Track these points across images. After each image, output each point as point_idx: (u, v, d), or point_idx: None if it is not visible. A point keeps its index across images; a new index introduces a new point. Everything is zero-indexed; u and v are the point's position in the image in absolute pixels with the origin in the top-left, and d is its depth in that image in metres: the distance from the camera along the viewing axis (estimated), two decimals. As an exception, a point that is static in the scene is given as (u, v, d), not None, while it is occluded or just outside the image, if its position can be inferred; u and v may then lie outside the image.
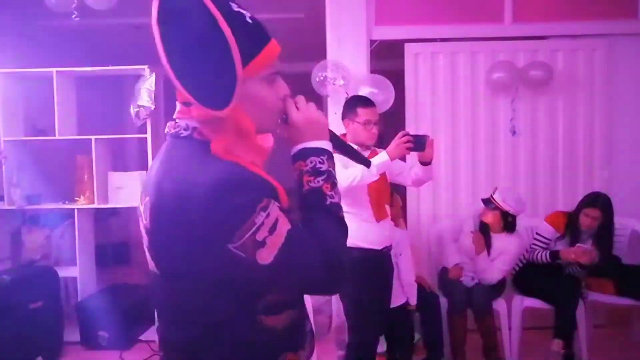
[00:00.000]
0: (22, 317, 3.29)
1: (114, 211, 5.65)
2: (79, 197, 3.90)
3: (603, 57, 3.86)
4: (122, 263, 6.20)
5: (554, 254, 3.22)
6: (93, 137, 3.81)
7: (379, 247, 2.61)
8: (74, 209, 3.87)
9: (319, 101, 4.04)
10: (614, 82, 3.90)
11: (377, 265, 2.62)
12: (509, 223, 3.28)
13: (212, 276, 0.98)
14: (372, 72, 3.89)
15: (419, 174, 2.66)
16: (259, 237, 0.93)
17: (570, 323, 3.12)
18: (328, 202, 1.05)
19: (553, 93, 3.88)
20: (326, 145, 1.09)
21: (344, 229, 1.08)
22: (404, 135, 2.49)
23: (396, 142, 2.48)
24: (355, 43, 3.86)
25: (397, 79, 3.87)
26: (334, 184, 1.07)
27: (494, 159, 3.90)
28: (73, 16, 3.36)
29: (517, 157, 3.91)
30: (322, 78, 3.71)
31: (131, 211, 6.99)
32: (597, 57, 3.87)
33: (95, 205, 3.89)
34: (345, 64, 3.76)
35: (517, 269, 3.48)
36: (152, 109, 3.72)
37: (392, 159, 2.47)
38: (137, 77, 3.86)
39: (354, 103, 2.67)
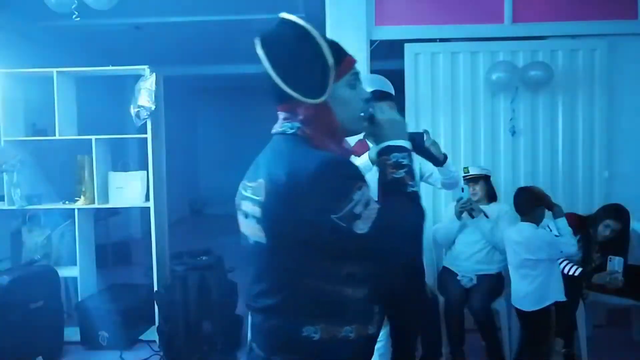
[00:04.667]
0: (22, 317, 3.29)
1: (114, 211, 5.67)
2: (79, 197, 3.89)
3: (603, 57, 3.87)
4: (122, 263, 6.20)
5: (584, 274, 3.18)
6: (93, 137, 3.81)
7: None
8: (74, 209, 3.87)
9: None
10: (614, 82, 3.90)
11: None
12: (492, 190, 3.51)
13: (314, 243, 1.16)
14: (372, 72, 3.89)
15: (439, 176, 2.53)
16: (357, 210, 1.13)
17: (570, 323, 3.12)
18: (409, 190, 1.24)
19: (553, 93, 3.88)
20: (406, 144, 1.29)
21: (421, 210, 1.26)
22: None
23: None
24: (355, 43, 3.86)
25: (397, 79, 3.86)
26: (413, 177, 1.26)
27: (493, 159, 3.90)
28: (73, 16, 3.36)
29: (517, 157, 3.92)
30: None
31: (131, 211, 7.06)
32: (597, 57, 3.88)
33: (96, 205, 3.89)
34: (345, 64, 3.76)
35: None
36: (152, 109, 3.73)
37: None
38: (137, 77, 3.86)
39: None
